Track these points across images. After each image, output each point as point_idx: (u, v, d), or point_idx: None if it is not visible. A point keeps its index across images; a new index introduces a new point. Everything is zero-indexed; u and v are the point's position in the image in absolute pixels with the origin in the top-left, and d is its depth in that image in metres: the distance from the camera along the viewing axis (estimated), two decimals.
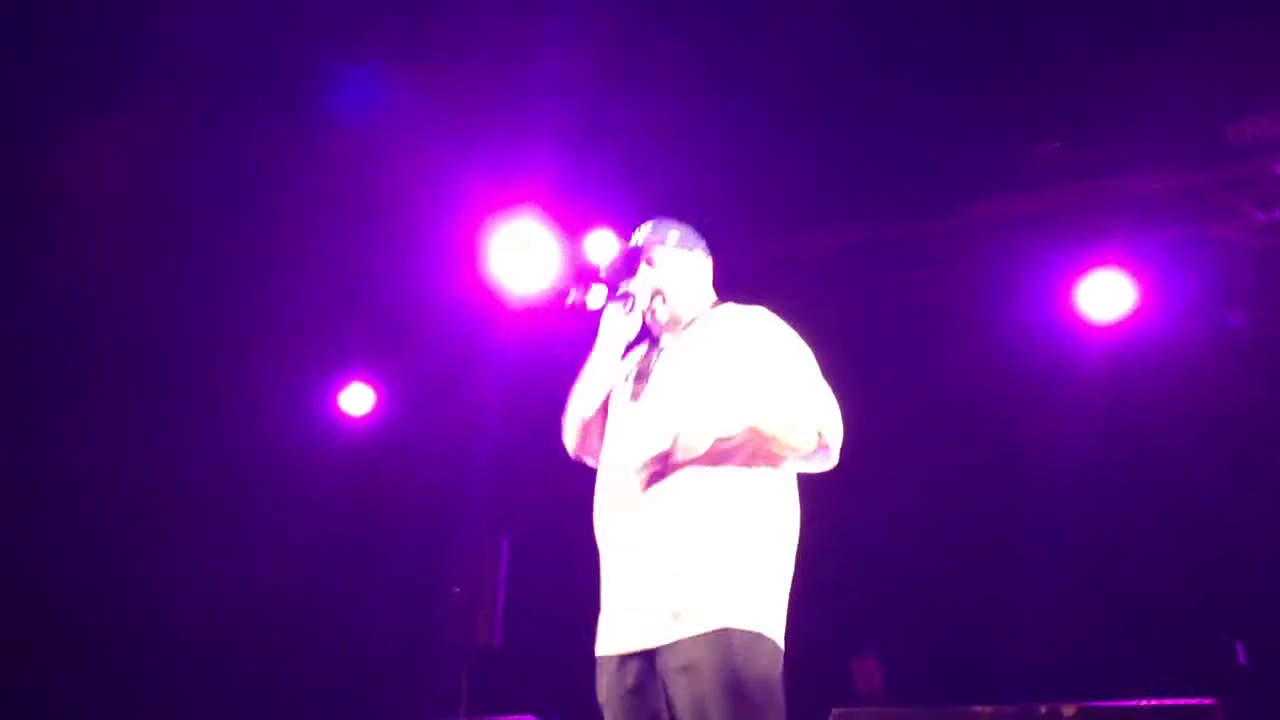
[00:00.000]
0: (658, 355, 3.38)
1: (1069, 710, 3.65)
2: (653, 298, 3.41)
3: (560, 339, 7.77)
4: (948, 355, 7.19)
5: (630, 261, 3.44)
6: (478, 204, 6.68)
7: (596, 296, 3.40)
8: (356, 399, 8.27)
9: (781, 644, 3.07)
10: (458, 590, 6.21)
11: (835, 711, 3.15)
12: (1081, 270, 6.72)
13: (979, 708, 3.50)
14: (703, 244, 3.52)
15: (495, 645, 6.35)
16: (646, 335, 3.50)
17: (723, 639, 2.95)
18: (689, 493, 3.09)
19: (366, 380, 8.26)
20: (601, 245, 7.15)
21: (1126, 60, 5.50)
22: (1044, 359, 7.00)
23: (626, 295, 3.40)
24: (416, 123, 5.95)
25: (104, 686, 7.32)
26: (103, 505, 7.65)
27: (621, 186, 6.31)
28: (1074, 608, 6.88)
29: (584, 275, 3.44)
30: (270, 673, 7.45)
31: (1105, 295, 6.71)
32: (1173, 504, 6.72)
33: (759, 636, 3.01)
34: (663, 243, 3.46)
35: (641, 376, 3.34)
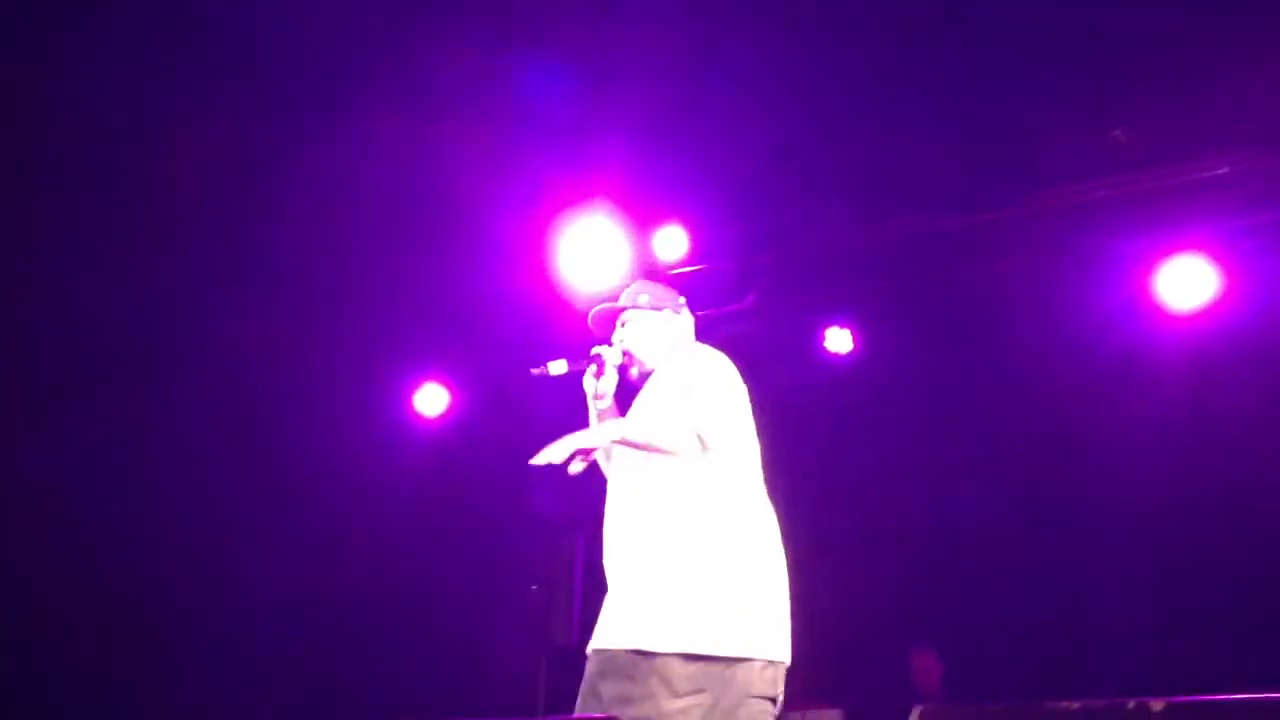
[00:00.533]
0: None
1: (1157, 705, 3.55)
2: (624, 355, 3.82)
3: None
4: (1022, 345, 7.10)
5: (604, 324, 3.88)
6: (548, 200, 6.70)
7: (558, 366, 3.80)
8: (431, 399, 8.32)
9: (712, 650, 3.28)
10: (535, 589, 6.22)
11: (918, 709, 3.10)
12: (1161, 257, 6.57)
13: (1066, 704, 3.42)
14: (674, 303, 3.90)
15: (572, 644, 6.37)
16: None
17: (606, 657, 3.31)
18: (624, 514, 3.59)
19: (440, 380, 8.30)
20: (670, 240, 7.15)
21: (1208, 41, 5.38)
22: (1121, 349, 6.88)
23: (596, 358, 3.81)
24: (487, 117, 5.97)
25: (185, 680, 7.43)
26: (180, 503, 7.77)
27: (691, 181, 6.29)
28: (1147, 603, 6.77)
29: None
30: (347, 673, 7.52)
31: (1186, 282, 6.55)
32: (1254, 498, 6.57)
33: (647, 655, 3.26)
34: (634, 305, 3.87)
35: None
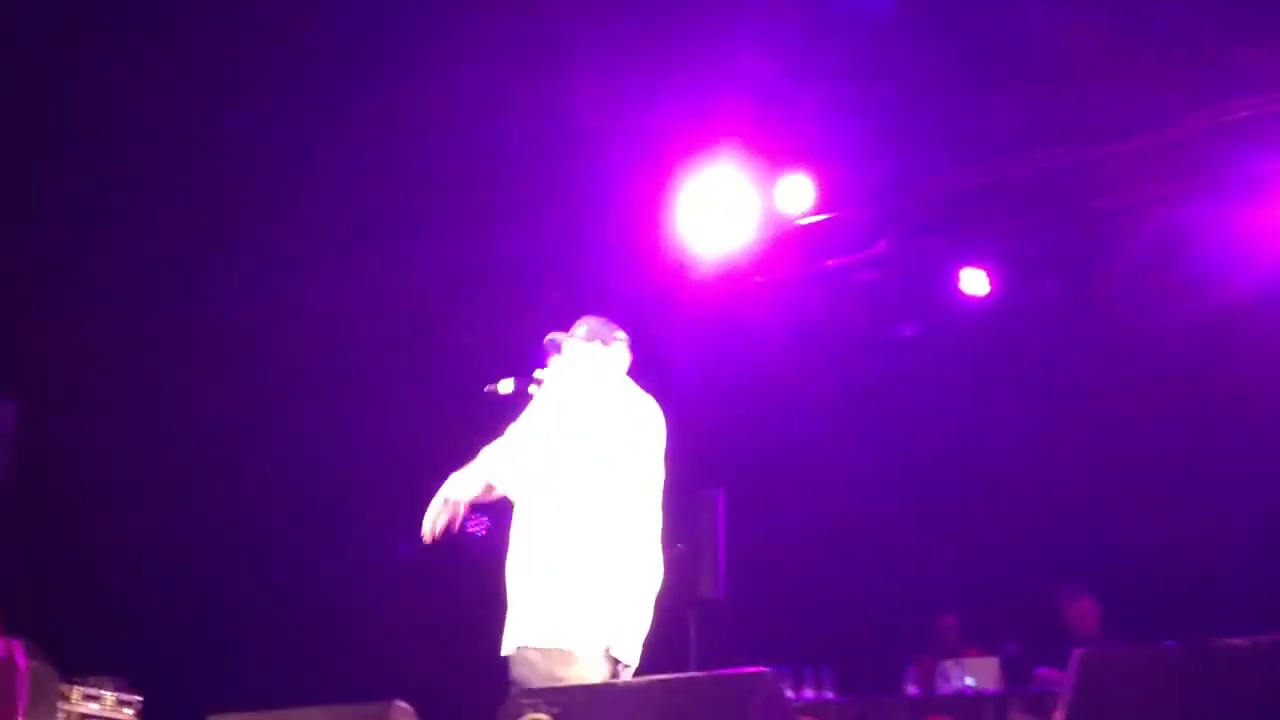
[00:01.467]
0: None
1: None
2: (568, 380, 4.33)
3: (757, 292, 7.80)
4: (1166, 277, 6.87)
5: (548, 351, 4.43)
6: (671, 153, 6.66)
7: (506, 385, 4.41)
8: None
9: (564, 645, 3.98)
10: (680, 546, 6.23)
11: (1078, 653, 3.02)
12: None
13: (1235, 641, 3.30)
14: (608, 337, 4.44)
15: (719, 597, 6.37)
16: None
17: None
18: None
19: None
20: (795, 190, 7.06)
21: None
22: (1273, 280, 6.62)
23: (539, 380, 4.37)
24: (610, 69, 5.95)
25: (337, 652, 7.63)
26: (318, 474, 7.97)
27: (819, 126, 6.18)
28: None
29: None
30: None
31: None
32: None
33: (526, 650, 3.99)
34: (573, 336, 4.40)
35: None
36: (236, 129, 6.67)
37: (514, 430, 4.24)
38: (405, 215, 7.12)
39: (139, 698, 7.47)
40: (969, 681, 6.69)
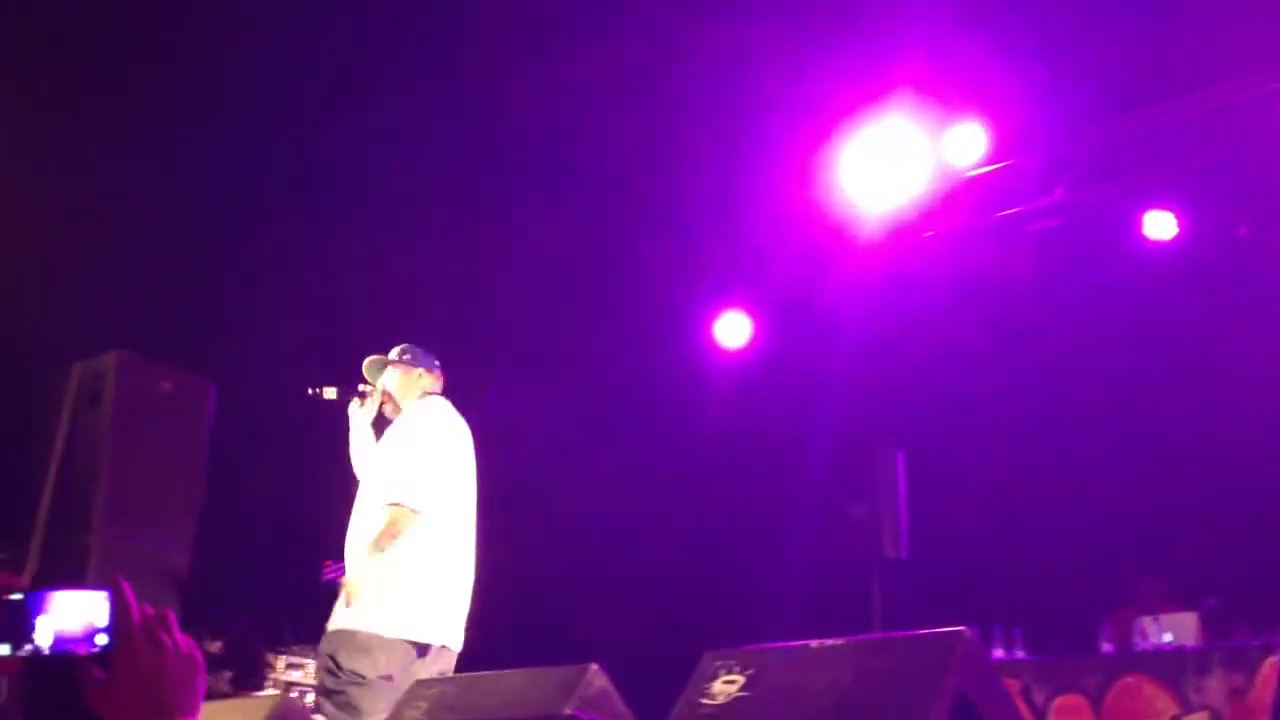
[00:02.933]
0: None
1: None
2: (381, 394, 5.11)
3: (927, 247, 7.65)
4: None
5: (377, 368, 5.13)
6: (837, 107, 6.57)
7: (330, 392, 5.16)
8: (732, 328, 8.36)
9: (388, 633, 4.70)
10: (860, 507, 6.19)
11: None
12: None
13: None
14: (429, 364, 5.14)
15: (902, 558, 6.31)
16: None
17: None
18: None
19: (741, 307, 8.34)
20: (966, 140, 6.89)
21: None
22: None
23: (363, 393, 5.14)
24: (776, 29, 5.90)
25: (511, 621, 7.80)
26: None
27: (992, 73, 6.01)
28: None
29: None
30: (679, 598, 7.70)
31: None
32: None
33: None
34: (399, 360, 5.11)
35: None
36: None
37: (387, 451, 4.93)
38: (569, 173, 7.18)
39: None
40: (1167, 638, 6.48)
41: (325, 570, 5.27)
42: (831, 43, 6.08)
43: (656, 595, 7.85)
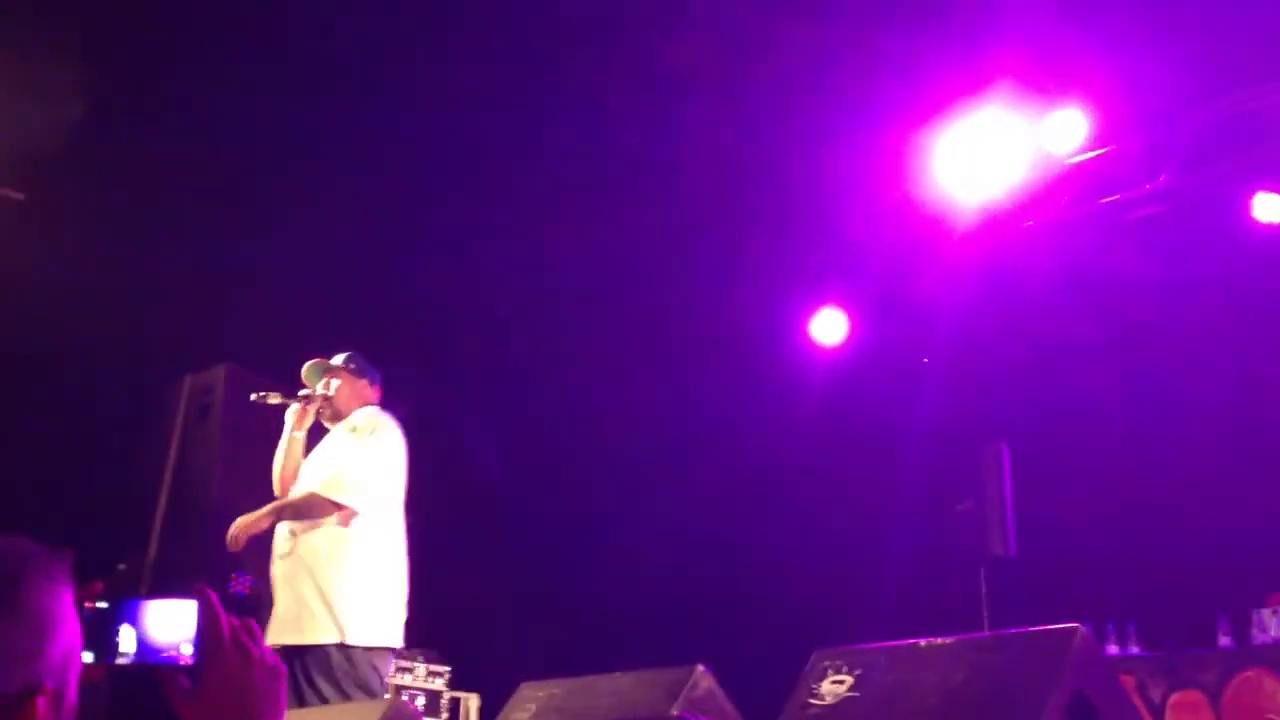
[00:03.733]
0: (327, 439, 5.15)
1: None
2: (323, 399, 5.12)
3: (1027, 238, 7.52)
4: None
5: (322, 373, 5.17)
6: (932, 98, 6.50)
7: (274, 397, 5.17)
8: (829, 325, 8.31)
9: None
10: (966, 503, 6.10)
11: None
12: None
13: None
14: (372, 375, 5.23)
15: (1010, 555, 6.20)
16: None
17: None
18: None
19: (837, 304, 8.28)
20: (1065, 126, 6.76)
21: None
22: None
23: (307, 398, 5.14)
24: (871, 18, 5.85)
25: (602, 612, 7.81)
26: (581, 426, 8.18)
27: (1088, 56, 5.89)
28: None
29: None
30: (785, 595, 7.66)
31: None
32: None
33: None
34: (344, 368, 5.17)
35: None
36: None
37: (332, 456, 4.96)
38: (664, 171, 7.18)
39: (448, 668, 7.87)
40: None
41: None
42: (926, 32, 6.01)
43: (762, 595, 7.83)
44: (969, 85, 6.49)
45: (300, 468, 5.14)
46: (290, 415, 5.17)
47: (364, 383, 5.20)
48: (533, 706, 4.62)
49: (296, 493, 5.02)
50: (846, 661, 3.86)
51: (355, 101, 6.90)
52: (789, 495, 8.02)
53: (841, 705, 3.73)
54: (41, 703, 1.27)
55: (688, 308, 7.97)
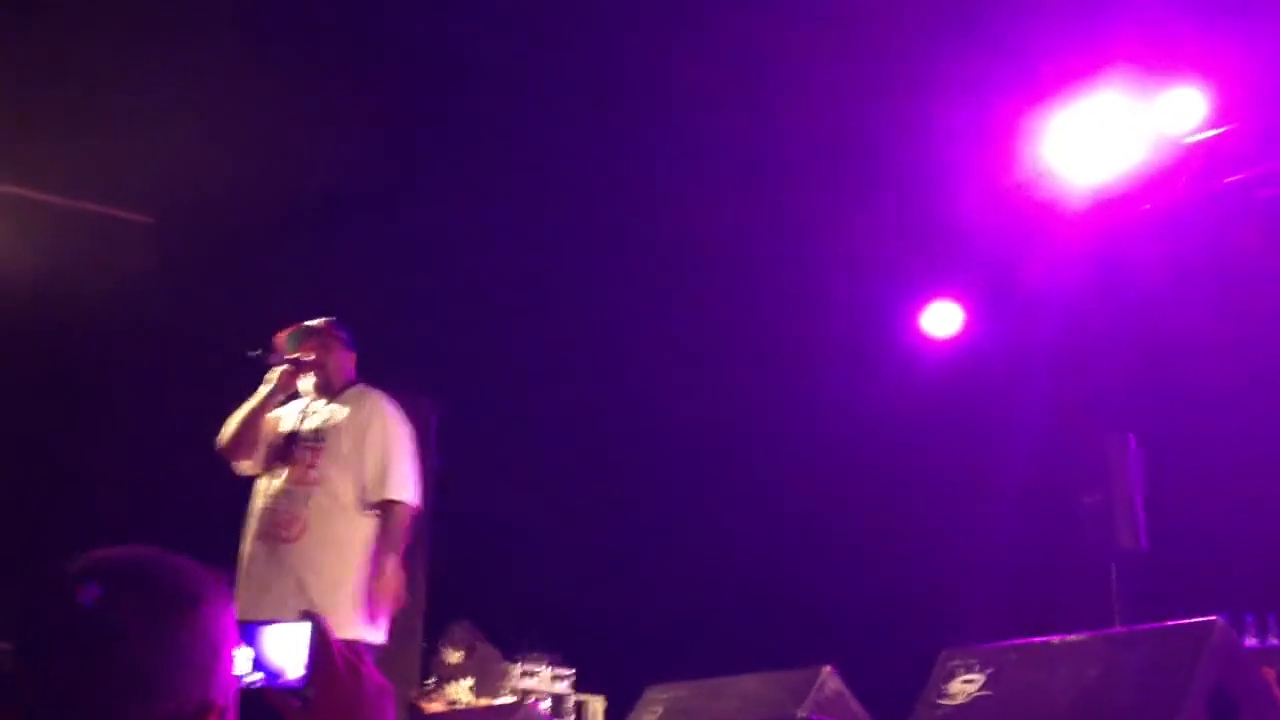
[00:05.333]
0: (314, 407, 4.78)
1: None
2: (314, 367, 4.77)
3: (1144, 221, 7.34)
4: None
5: (310, 338, 4.82)
6: (1043, 80, 6.39)
7: (273, 356, 4.74)
8: (941, 317, 8.21)
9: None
10: (1090, 498, 5.97)
11: None
12: None
13: None
14: (353, 345, 4.91)
15: (1141, 548, 6.05)
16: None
17: None
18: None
19: (950, 296, 8.17)
20: (1182, 105, 6.59)
21: None
22: None
23: (298, 361, 4.76)
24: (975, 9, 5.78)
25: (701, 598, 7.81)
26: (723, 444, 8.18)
27: (1206, 32, 5.73)
28: None
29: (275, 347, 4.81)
30: (909, 594, 7.59)
31: None
32: None
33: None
34: (335, 336, 4.85)
35: (304, 418, 4.77)
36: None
37: (384, 449, 4.67)
38: (772, 167, 7.16)
39: (572, 671, 7.97)
40: None
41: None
42: (1037, 13, 5.90)
43: (885, 594, 7.76)
44: (1081, 66, 6.35)
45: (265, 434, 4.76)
46: (275, 377, 4.74)
47: (351, 355, 4.91)
48: (659, 709, 4.66)
49: (331, 477, 4.61)
50: (977, 660, 3.82)
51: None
52: (908, 493, 7.94)
53: (973, 704, 3.69)
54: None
55: (799, 303, 7.94)
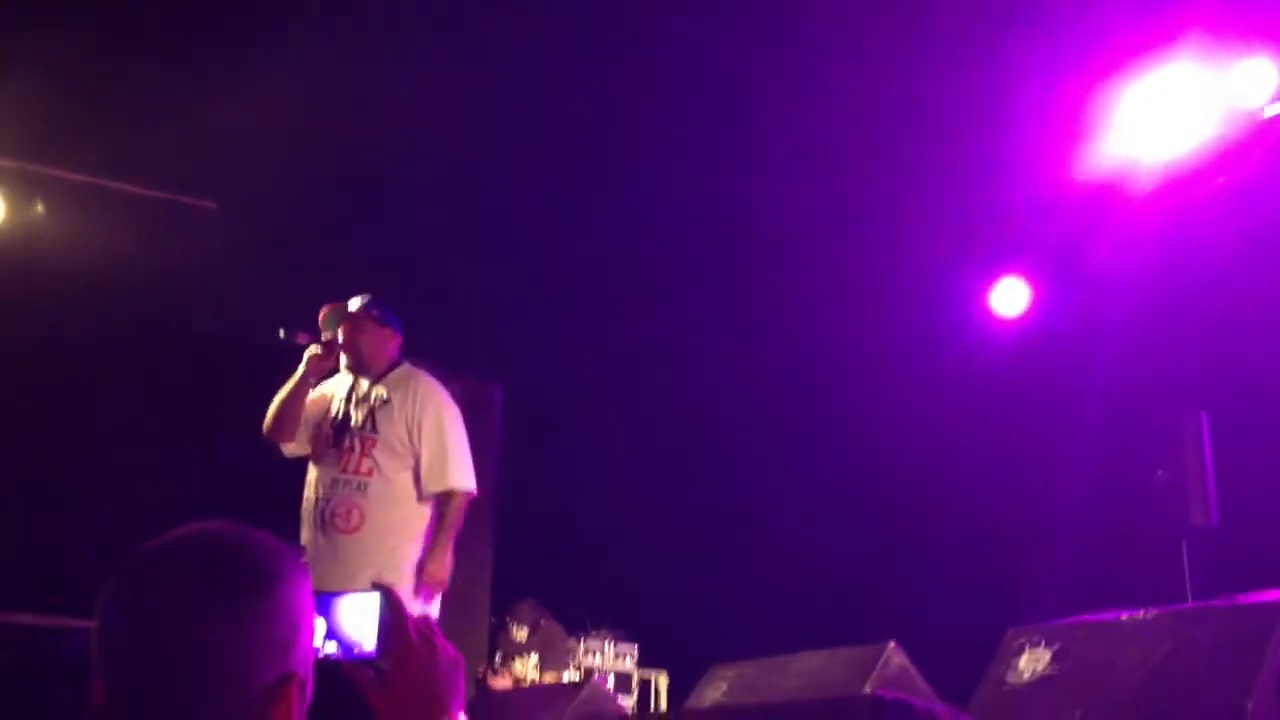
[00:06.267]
0: (360, 390, 4.82)
1: None
2: (344, 348, 4.78)
3: (1217, 196, 7.20)
4: None
5: (343, 319, 4.82)
6: (1114, 54, 6.29)
7: (302, 337, 4.74)
8: (1009, 295, 8.12)
9: None
10: (1162, 473, 5.90)
11: None
12: None
13: None
14: (394, 322, 4.90)
15: (1213, 525, 5.96)
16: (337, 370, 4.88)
17: None
18: None
19: (1017, 273, 8.08)
20: (1257, 76, 6.45)
21: None
22: None
23: (325, 342, 4.76)
24: None
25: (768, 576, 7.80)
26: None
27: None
28: None
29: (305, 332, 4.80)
30: (976, 571, 7.53)
31: None
32: None
33: None
34: (367, 315, 4.82)
35: (353, 402, 4.81)
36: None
37: (436, 437, 4.71)
38: (837, 143, 7.11)
39: (636, 647, 8.02)
40: None
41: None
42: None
43: (950, 570, 7.72)
44: (1152, 38, 6.24)
45: (305, 416, 4.81)
46: (308, 358, 4.76)
47: (387, 330, 4.86)
48: (723, 685, 4.68)
49: (388, 459, 4.67)
50: (1044, 637, 3.79)
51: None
52: (977, 471, 7.88)
53: (1040, 682, 3.67)
54: (295, 691, 1.35)
55: (867, 282, 7.89)
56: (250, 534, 1.41)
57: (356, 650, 1.57)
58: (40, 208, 6.80)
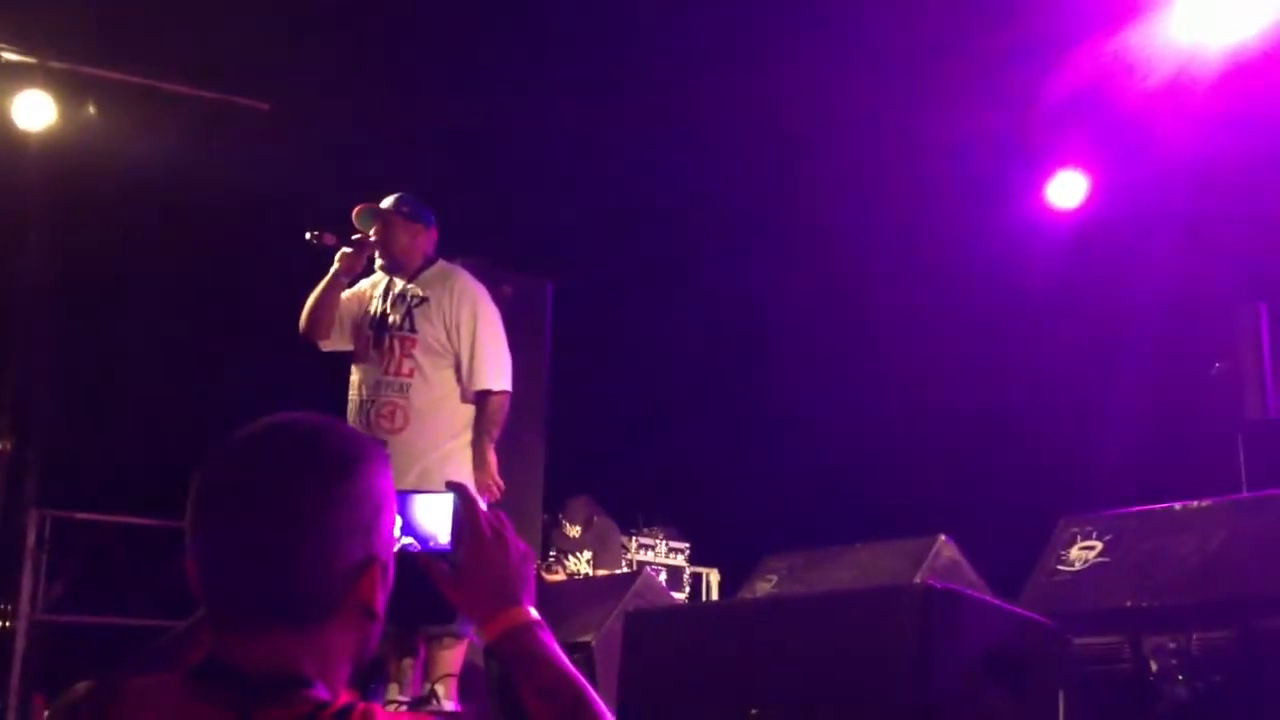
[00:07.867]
0: (395, 288, 4.84)
1: None
2: (375, 247, 4.77)
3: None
4: None
5: (375, 218, 4.81)
6: None
7: (328, 238, 4.73)
8: (1066, 187, 7.99)
9: None
10: (1219, 365, 5.83)
11: None
12: None
13: None
14: (426, 218, 4.88)
15: (1269, 417, 5.90)
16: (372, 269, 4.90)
17: None
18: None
19: (1075, 165, 7.94)
20: None
21: None
22: None
23: (359, 243, 4.75)
24: None
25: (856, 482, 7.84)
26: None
27: None
28: None
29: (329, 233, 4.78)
30: (1030, 464, 7.53)
31: None
32: None
33: None
34: (397, 211, 4.81)
35: (389, 301, 4.82)
36: None
37: (473, 338, 4.72)
38: (883, 29, 6.97)
39: (687, 545, 8.10)
40: None
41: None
42: None
43: (1003, 462, 7.71)
44: None
45: (340, 314, 4.86)
46: (340, 257, 4.77)
47: (418, 226, 4.85)
48: (774, 577, 4.72)
49: (428, 357, 4.72)
50: (1096, 527, 3.79)
51: None
52: (1028, 361, 7.83)
53: (1091, 570, 3.67)
54: (377, 572, 1.42)
55: (923, 176, 7.78)
56: (336, 422, 1.48)
57: (432, 544, 1.64)
58: (92, 109, 6.82)
